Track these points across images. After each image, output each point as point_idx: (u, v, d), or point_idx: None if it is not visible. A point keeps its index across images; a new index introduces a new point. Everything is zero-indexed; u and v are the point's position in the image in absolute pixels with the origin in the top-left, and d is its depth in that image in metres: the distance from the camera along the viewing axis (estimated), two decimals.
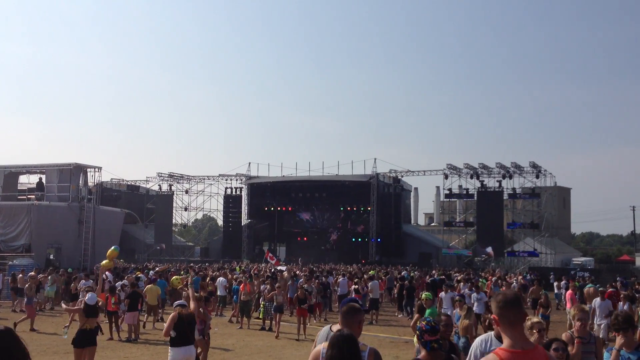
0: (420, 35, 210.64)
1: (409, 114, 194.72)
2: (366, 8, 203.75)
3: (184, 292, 16.72)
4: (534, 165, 49.15)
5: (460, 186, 52.07)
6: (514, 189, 50.03)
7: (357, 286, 20.54)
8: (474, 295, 16.92)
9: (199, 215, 71.38)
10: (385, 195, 55.87)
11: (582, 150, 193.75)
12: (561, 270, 42.04)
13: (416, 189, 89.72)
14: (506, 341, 3.35)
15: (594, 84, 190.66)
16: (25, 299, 18.81)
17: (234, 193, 60.52)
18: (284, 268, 33.42)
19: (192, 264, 41.26)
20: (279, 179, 58.76)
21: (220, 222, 68.26)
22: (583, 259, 62.16)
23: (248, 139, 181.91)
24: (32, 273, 22.82)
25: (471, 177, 50.69)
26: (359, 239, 57.72)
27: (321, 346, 4.61)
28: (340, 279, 23.43)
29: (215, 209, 64.19)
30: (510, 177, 49.65)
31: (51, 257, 35.18)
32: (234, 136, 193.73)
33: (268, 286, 19.55)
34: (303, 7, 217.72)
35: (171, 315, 8.96)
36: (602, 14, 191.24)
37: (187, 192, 61.87)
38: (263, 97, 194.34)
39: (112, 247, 14.36)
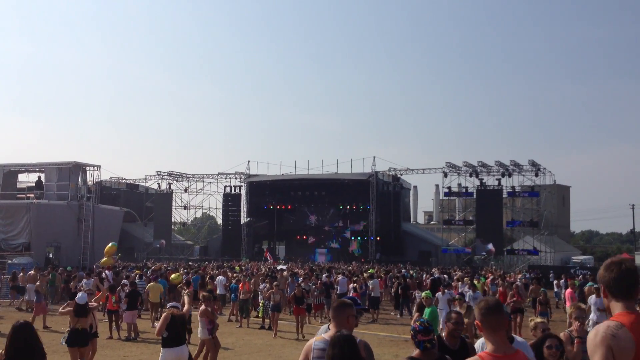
0: (420, 33, 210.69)
1: (408, 112, 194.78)
2: (365, 6, 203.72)
3: (182, 291, 16.78)
4: (533, 164, 49.19)
5: (459, 184, 52.14)
6: (513, 187, 50.12)
7: (355, 285, 20.55)
8: (470, 294, 16.96)
9: (198, 214, 71.51)
10: (384, 194, 55.89)
11: (582, 149, 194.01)
12: (561, 268, 42.07)
13: (415, 187, 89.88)
14: (489, 346, 3.47)
15: (593, 82, 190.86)
16: (35, 297, 18.93)
17: (233, 191, 60.54)
18: (283, 267, 33.46)
19: (190, 263, 41.27)
20: (278, 177, 58.80)
21: (219, 220, 68.33)
22: (582, 257, 62.20)
23: (247, 137, 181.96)
24: (32, 272, 22.84)
25: (470, 176, 50.74)
26: (358, 238, 57.73)
27: (313, 340, 4.74)
28: (340, 277, 23.44)
29: (215, 207, 64.37)
30: (510, 175, 49.71)
31: (50, 255, 35.16)
32: (233, 135, 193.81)
33: (267, 285, 19.54)
34: (302, 5, 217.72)
35: (164, 315, 9.05)
36: (601, 12, 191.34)
37: (186, 190, 61.91)
38: (262, 96, 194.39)
39: (110, 243, 14.38)
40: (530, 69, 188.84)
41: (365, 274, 26.00)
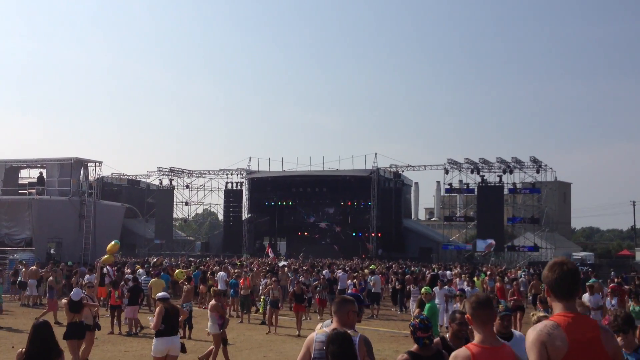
0: (421, 30, 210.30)
1: (409, 109, 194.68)
2: (367, 3, 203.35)
3: (184, 287, 16.82)
4: (535, 160, 49.12)
5: (460, 181, 52.14)
6: (514, 183, 50.07)
7: (355, 280, 20.57)
8: (468, 290, 17.01)
9: (200, 210, 71.62)
10: (385, 190, 55.85)
11: (583, 145, 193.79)
12: None
13: (417, 183, 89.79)
14: (477, 337, 3.72)
15: (594, 79, 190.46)
16: (48, 293, 19.02)
17: (234, 188, 60.54)
18: (285, 263, 33.48)
19: (191, 259, 41.33)
20: (279, 173, 58.77)
21: (220, 216, 68.35)
22: (583, 253, 62.22)
23: (249, 133, 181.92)
24: (34, 267, 22.91)
25: (472, 172, 50.70)
26: (360, 234, 57.77)
27: (315, 332, 4.83)
28: (340, 273, 23.44)
29: (216, 203, 64.30)
30: (511, 172, 49.65)
31: (52, 251, 35.25)
32: (234, 131, 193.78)
33: (268, 280, 19.54)
34: (303, 2, 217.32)
35: (158, 310, 9.33)
36: (603, 10, 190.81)
37: (187, 186, 61.92)
38: (264, 92, 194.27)
39: (113, 242, 14.39)
40: (532, 66, 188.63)
41: (366, 270, 26.03)
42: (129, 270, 23.31)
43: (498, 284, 20.05)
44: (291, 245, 61.52)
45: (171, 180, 61.44)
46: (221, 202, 61.83)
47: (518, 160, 49.33)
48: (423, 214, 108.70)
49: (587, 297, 15.13)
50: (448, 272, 27.58)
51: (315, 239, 60.22)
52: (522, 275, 28.12)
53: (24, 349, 5.28)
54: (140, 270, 23.38)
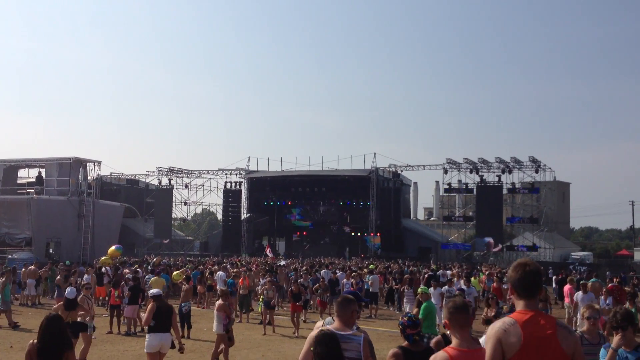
0: (420, 30, 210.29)
1: (408, 109, 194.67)
2: (366, 3, 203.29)
3: (183, 287, 16.83)
4: (534, 160, 49.15)
5: (459, 181, 52.16)
6: (513, 183, 50.09)
7: (352, 280, 20.54)
8: (465, 289, 17.03)
9: (199, 210, 71.62)
10: (384, 190, 55.87)
11: (582, 145, 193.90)
12: (560, 264, 42.11)
13: (416, 183, 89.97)
14: (455, 341, 3.87)
15: (593, 79, 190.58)
16: (57, 292, 19.06)
17: (233, 187, 60.54)
18: (284, 262, 33.47)
19: (190, 258, 41.31)
20: (278, 173, 58.77)
21: (219, 216, 68.38)
22: (582, 253, 62.28)
23: (248, 133, 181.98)
24: (32, 267, 22.89)
25: (470, 172, 50.72)
26: (359, 234, 57.77)
27: (317, 331, 4.86)
28: (338, 273, 23.42)
29: (215, 203, 64.35)
30: (510, 171, 49.67)
31: (51, 251, 35.22)
32: (233, 131, 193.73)
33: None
34: (303, 2, 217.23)
35: (149, 306, 9.52)
36: (602, 10, 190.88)
37: (186, 186, 61.92)
38: (263, 92, 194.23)
39: (115, 247, 14.39)
40: (531, 66, 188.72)
41: (365, 270, 26.03)
42: (127, 271, 23.29)
43: (495, 284, 20.05)
44: (290, 245, 61.53)
45: (170, 180, 61.44)
46: (220, 201, 61.94)
47: (517, 160, 49.36)
48: (422, 213, 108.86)
49: (580, 295, 15.09)
50: (448, 272, 27.60)
51: (314, 239, 60.22)
52: None
53: (35, 340, 5.50)
54: (139, 270, 23.36)
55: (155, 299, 9.58)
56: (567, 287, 18.21)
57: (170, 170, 60.92)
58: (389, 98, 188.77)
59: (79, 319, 11.09)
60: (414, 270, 29.77)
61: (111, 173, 58.96)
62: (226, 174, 60.73)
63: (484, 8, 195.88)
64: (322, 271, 24.94)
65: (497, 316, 7.68)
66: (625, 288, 19.89)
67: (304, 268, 27.32)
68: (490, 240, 47.46)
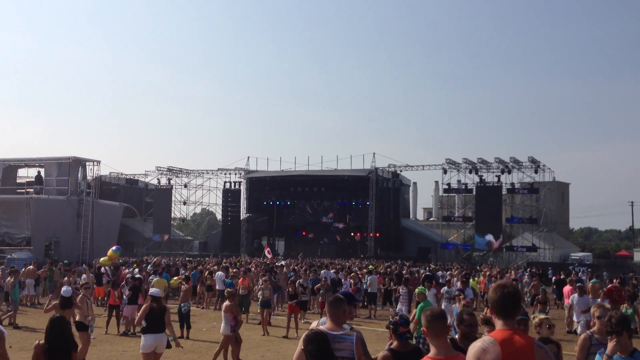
0: (420, 30, 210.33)
1: (408, 109, 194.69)
2: (366, 3, 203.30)
3: (182, 287, 16.78)
4: (533, 160, 49.16)
5: (459, 181, 52.16)
6: (512, 184, 50.11)
7: (351, 280, 20.49)
8: (463, 290, 16.94)
9: (198, 210, 71.57)
10: (384, 190, 55.87)
11: (581, 146, 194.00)
12: (559, 265, 42.13)
13: (415, 183, 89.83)
14: (432, 350, 3.97)
15: (593, 79, 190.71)
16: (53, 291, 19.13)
17: (232, 187, 60.56)
18: (283, 263, 33.39)
19: (189, 258, 41.27)
20: (277, 173, 58.77)
21: (219, 216, 68.35)
22: (581, 254, 62.27)
23: (247, 133, 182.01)
24: (31, 267, 22.85)
25: (470, 172, 50.74)
26: (358, 234, 57.75)
27: (310, 331, 4.89)
28: (339, 274, 23.39)
29: (214, 203, 64.44)
30: (509, 172, 49.69)
31: (50, 250, 35.18)
32: (233, 130, 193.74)
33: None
34: (302, 2, 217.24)
35: (143, 307, 9.73)
36: (601, 10, 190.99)
37: (185, 186, 61.93)
38: (262, 92, 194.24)
39: (114, 249, 14.35)
40: (531, 66, 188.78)
41: (364, 270, 26.01)
42: (126, 271, 23.26)
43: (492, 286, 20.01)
44: (289, 245, 61.52)
45: (169, 179, 61.44)
46: (219, 201, 61.95)
47: (516, 160, 49.38)
48: (421, 213, 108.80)
49: (575, 298, 14.99)
50: (448, 273, 27.60)
51: (314, 239, 60.21)
52: (525, 276, 28.44)
53: (42, 341, 5.67)
54: (136, 270, 23.32)
55: (152, 299, 9.72)
56: (567, 288, 18.19)
57: (170, 170, 60.92)
58: (388, 98, 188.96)
59: (77, 318, 11.06)
60: (413, 270, 29.81)
61: (110, 173, 58.96)
62: (225, 174, 60.75)
63: (484, 8, 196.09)
64: (322, 271, 24.90)
65: None
66: (625, 289, 19.87)
67: (303, 268, 27.27)
68: (491, 239, 47.43)
